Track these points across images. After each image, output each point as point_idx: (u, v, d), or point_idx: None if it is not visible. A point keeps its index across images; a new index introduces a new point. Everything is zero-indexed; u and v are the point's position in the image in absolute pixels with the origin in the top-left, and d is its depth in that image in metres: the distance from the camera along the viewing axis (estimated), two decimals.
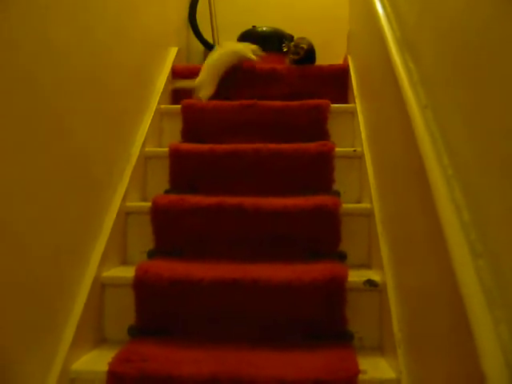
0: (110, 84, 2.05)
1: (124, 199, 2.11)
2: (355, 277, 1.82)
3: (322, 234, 2.05)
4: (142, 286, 1.82)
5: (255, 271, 1.83)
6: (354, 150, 2.36)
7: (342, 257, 2.03)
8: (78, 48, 1.74)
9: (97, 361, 1.67)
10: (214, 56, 2.95)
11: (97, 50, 1.91)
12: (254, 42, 3.52)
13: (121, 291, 1.86)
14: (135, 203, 2.20)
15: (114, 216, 2.02)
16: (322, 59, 3.08)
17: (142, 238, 2.13)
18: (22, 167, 1.40)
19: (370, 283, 1.79)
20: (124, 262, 2.12)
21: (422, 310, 1.38)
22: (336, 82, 2.89)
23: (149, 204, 2.12)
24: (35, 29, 1.46)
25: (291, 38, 3.52)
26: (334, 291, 1.76)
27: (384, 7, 1.79)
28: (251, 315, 1.80)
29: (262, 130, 2.57)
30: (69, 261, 1.69)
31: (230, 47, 3.02)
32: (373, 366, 1.61)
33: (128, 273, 1.86)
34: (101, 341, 1.85)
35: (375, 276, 1.84)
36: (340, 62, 3.14)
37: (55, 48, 1.58)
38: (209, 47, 3.80)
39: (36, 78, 1.47)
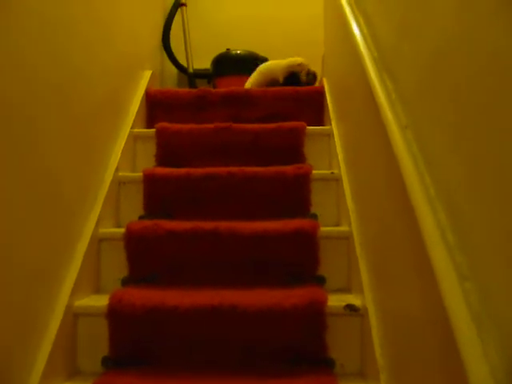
0: (83, 108, 2.01)
1: (97, 225, 2.06)
2: (335, 301, 1.78)
3: (300, 258, 2.01)
4: (115, 315, 1.76)
5: (233, 297, 1.78)
6: (332, 173, 2.33)
7: (322, 281, 1.99)
8: (49, 70, 1.70)
9: None
10: (266, 65, 3.27)
11: (69, 74, 1.86)
12: (228, 65, 3.53)
13: (94, 321, 1.80)
14: (108, 229, 2.14)
15: (87, 243, 1.96)
16: None
17: (116, 265, 2.07)
18: None
19: (351, 308, 1.75)
20: (97, 291, 2.06)
21: (405, 334, 1.34)
22: (312, 104, 2.88)
23: (122, 230, 2.06)
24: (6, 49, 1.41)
25: (265, 60, 3.52)
26: (314, 317, 1.72)
27: (360, 28, 1.77)
28: (230, 342, 1.75)
29: (238, 153, 2.54)
30: (39, 288, 1.62)
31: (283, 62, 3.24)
32: None
33: (101, 301, 1.80)
34: (74, 373, 1.78)
35: (355, 300, 1.80)
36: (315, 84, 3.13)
37: (25, 68, 1.53)
38: (183, 70, 3.78)
39: (4, 97, 1.42)
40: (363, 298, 1.74)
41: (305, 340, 1.73)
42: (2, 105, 1.40)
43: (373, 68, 1.51)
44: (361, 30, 1.75)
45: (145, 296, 1.81)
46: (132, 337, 1.77)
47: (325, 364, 1.72)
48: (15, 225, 1.49)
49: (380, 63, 1.53)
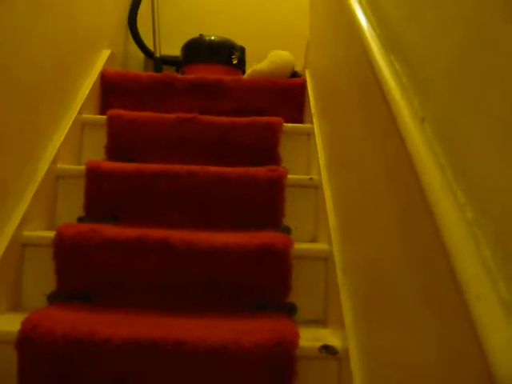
0: (12, 82, 1.62)
1: (20, 227, 1.67)
2: (308, 340, 1.42)
3: (268, 281, 1.64)
4: (27, 345, 1.37)
5: (182, 328, 1.41)
6: (310, 178, 1.98)
7: (292, 310, 1.63)
8: None
9: None
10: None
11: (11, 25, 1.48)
12: (200, 52, 3.17)
13: (2, 350, 1.41)
14: (34, 233, 1.74)
15: (4, 247, 1.57)
16: None
17: (43, 277, 1.67)
18: None
19: (327, 350, 1.40)
20: (16, 307, 1.67)
21: None
22: (291, 99, 2.52)
23: (51, 234, 1.67)
24: None
25: (242, 49, 3.16)
26: (281, 361, 1.35)
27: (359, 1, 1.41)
28: None
29: (202, 150, 2.17)
30: None
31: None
32: None
33: (14, 325, 1.41)
34: None
35: (333, 339, 1.45)
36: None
37: None
38: (149, 54, 3.39)
39: None
40: (344, 337, 1.39)
41: None
42: None
43: (377, 46, 1.15)
44: (359, 2, 1.39)
45: (71, 321, 1.43)
46: (46, 375, 1.38)
47: None
48: None
49: (385, 41, 1.17)
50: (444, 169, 0.78)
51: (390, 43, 1.15)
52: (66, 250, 1.64)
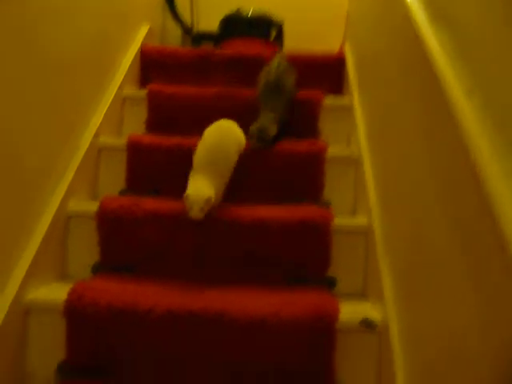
0: (55, 55, 1.64)
1: (66, 199, 1.71)
2: (348, 314, 1.43)
3: (307, 255, 1.65)
4: (74, 314, 1.41)
5: (221, 301, 1.43)
6: (351, 153, 1.97)
7: (332, 284, 1.64)
8: None
9: None
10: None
11: (35, 9, 1.49)
12: (238, 27, 3.15)
13: (50, 318, 1.46)
14: (79, 205, 1.78)
15: (50, 218, 1.61)
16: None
17: (87, 249, 1.72)
18: None
19: (367, 324, 1.40)
20: (63, 277, 1.71)
21: (447, 364, 0.99)
22: (330, 74, 2.50)
23: (95, 207, 1.70)
24: None
25: (280, 24, 3.13)
26: (321, 334, 1.37)
27: None
28: (213, 360, 1.40)
29: (241, 124, 2.16)
30: None
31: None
32: None
33: (61, 294, 1.45)
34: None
35: (373, 312, 1.46)
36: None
37: None
38: (187, 30, 3.39)
39: None
40: (384, 311, 1.40)
41: (308, 362, 1.38)
42: None
43: (421, 15, 1.13)
44: None
45: (114, 292, 1.47)
46: (92, 343, 1.42)
47: None
48: None
49: (431, 10, 1.15)
50: (492, 137, 0.77)
51: (435, 11, 1.13)
52: (109, 223, 1.68)
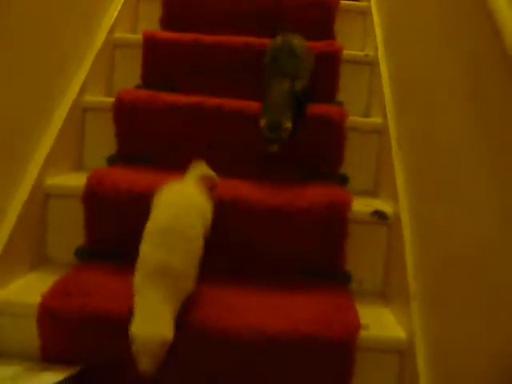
0: None
1: (82, 92, 1.71)
2: (360, 205, 1.47)
3: (321, 151, 1.67)
4: (93, 199, 1.45)
5: (238, 189, 1.47)
6: (366, 55, 1.95)
7: (344, 180, 1.67)
8: None
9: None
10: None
11: None
12: None
13: (69, 204, 1.50)
14: (95, 98, 1.79)
15: (67, 111, 1.62)
16: None
17: (103, 141, 1.74)
18: None
19: (379, 215, 1.44)
20: (79, 168, 1.75)
21: (456, 254, 1.03)
22: None
23: (112, 99, 1.71)
24: None
25: None
26: (334, 221, 1.41)
27: None
28: (231, 244, 1.45)
29: (258, 24, 2.14)
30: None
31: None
32: (376, 321, 1.28)
33: (79, 181, 1.49)
34: (43, 261, 1.51)
35: (385, 206, 1.49)
36: None
37: None
38: None
39: None
40: (395, 205, 1.43)
41: (320, 248, 1.44)
42: None
43: None
44: None
45: (132, 179, 1.50)
46: (112, 226, 1.47)
47: (341, 279, 1.44)
48: None
49: None
50: None
51: None
52: (126, 114, 1.69)
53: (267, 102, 1.54)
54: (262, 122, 1.48)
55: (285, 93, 1.53)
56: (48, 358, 1.24)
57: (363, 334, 1.19)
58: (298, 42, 1.67)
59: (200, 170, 1.41)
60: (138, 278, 1.13)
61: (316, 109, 1.68)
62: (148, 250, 1.16)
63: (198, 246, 1.19)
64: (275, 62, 1.63)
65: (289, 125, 1.47)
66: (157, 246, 1.15)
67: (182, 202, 1.24)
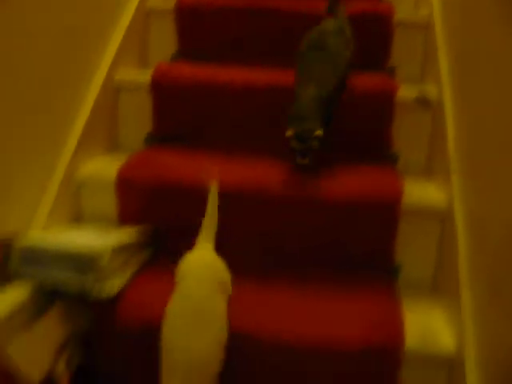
0: None
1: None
2: (405, 90, 1.55)
3: (371, 48, 1.76)
4: (160, 88, 1.60)
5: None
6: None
7: (391, 70, 1.78)
8: None
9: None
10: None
11: None
12: None
13: (138, 96, 1.65)
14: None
15: (131, 16, 1.76)
16: None
17: (167, 41, 1.89)
18: None
19: (423, 101, 1.53)
20: (144, 65, 1.89)
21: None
22: None
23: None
24: None
25: None
26: (381, 105, 1.52)
27: None
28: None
29: None
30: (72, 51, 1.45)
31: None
32: (419, 190, 1.40)
33: (146, 75, 1.63)
34: (114, 147, 1.68)
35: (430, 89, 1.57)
36: None
37: None
38: None
39: None
40: (439, 91, 1.52)
41: (368, 129, 1.55)
42: None
43: None
44: None
45: (195, 71, 1.63)
46: (178, 113, 1.62)
47: (388, 159, 1.55)
48: None
49: None
50: None
51: None
52: (187, 13, 1.84)
53: (294, 105, 1.34)
54: (289, 132, 1.31)
55: (312, 98, 1.33)
56: (124, 221, 1.42)
57: (406, 200, 1.32)
58: (333, 39, 1.42)
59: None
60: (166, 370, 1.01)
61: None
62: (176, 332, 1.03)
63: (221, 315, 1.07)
64: (303, 60, 1.41)
65: (320, 132, 1.30)
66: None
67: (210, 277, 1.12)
